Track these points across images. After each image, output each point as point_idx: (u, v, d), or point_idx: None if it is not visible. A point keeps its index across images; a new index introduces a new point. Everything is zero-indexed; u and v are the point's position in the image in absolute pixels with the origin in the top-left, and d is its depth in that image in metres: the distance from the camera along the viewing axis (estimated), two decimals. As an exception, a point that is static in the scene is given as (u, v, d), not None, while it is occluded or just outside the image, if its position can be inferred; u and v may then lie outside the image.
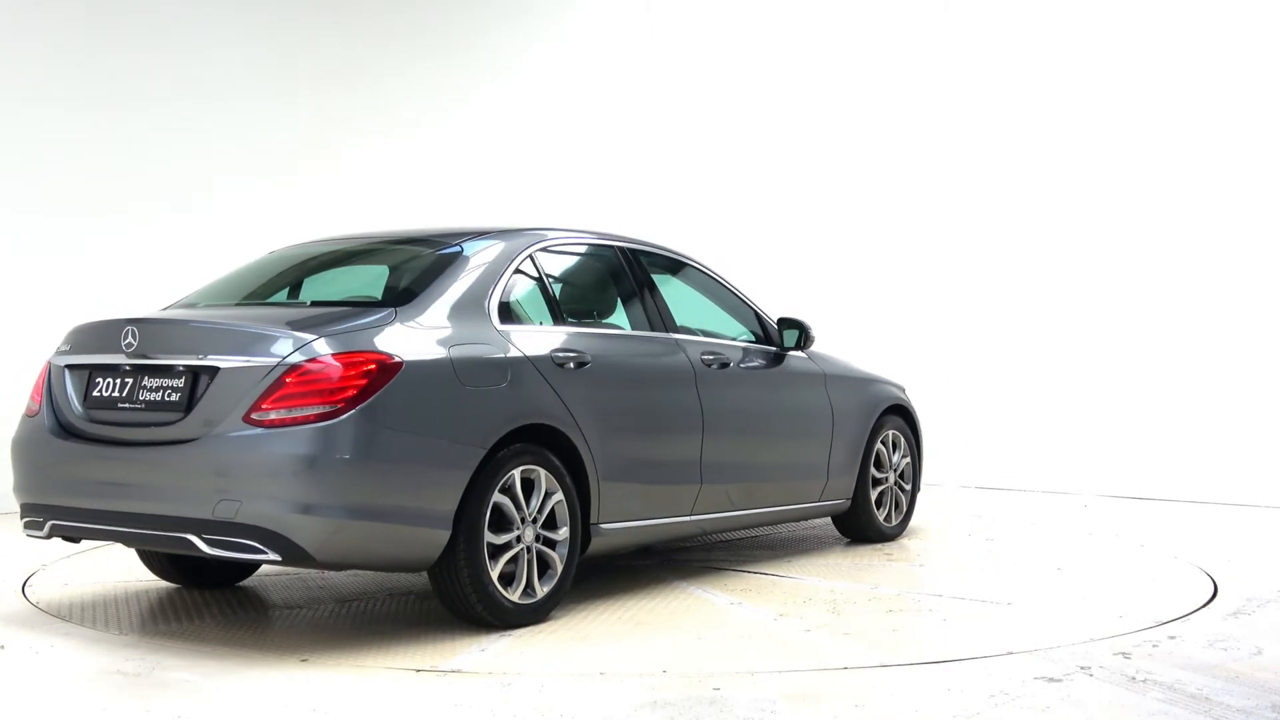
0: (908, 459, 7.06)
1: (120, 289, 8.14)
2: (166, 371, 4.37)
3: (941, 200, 10.49)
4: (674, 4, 11.43)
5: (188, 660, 4.11)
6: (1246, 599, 5.23)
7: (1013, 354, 9.99)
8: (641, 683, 3.82)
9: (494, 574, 4.45)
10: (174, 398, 4.31)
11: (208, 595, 5.19)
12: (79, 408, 4.58)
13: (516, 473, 4.55)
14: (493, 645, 4.32)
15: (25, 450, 4.74)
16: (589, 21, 11.23)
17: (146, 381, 4.41)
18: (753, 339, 6.21)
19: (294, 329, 4.27)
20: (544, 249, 5.23)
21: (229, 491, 4.09)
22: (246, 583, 5.51)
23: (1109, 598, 5.33)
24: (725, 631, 4.62)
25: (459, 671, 3.95)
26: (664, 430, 5.40)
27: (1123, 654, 4.20)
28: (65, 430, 4.59)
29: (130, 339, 4.44)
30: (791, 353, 6.29)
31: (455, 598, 4.45)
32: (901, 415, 7.02)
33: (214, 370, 4.24)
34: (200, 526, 4.13)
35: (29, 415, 4.80)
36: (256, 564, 5.41)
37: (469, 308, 4.70)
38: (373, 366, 4.20)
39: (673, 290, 5.91)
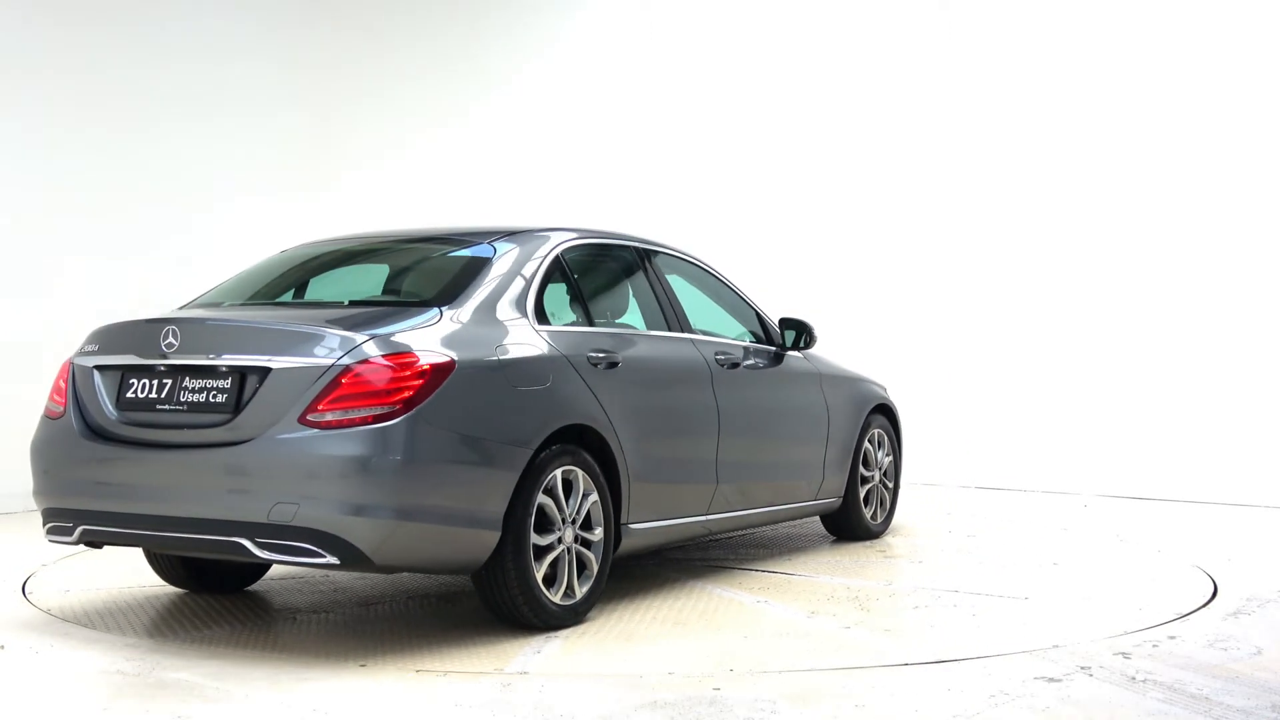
0: (890, 457, 7.13)
1: (123, 290, 8.14)
2: (210, 372, 4.24)
3: (940, 200, 10.49)
4: (674, 5, 11.43)
5: (188, 660, 4.10)
6: (1246, 599, 5.23)
7: (1012, 354, 9.99)
8: (641, 682, 3.82)
9: (539, 575, 4.43)
10: (220, 399, 4.19)
11: (211, 599, 5.16)
12: (112, 410, 4.41)
13: (559, 473, 4.53)
14: (546, 647, 4.30)
15: (50, 453, 4.56)
16: (590, 24, 11.24)
17: (188, 382, 4.27)
18: (753, 339, 6.22)
19: (346, 328, 4.19)
20: (569, 248, 5.18)
21: (286, 494, 3.99)
22: (247, 587, 5.48)
23: (1109, 598, 5.33)
24: (762, 629, 4.62)
25: (459, 671, 3.95)
26: (687, 430, 5.41)
27: (1123, 654, 4.20)
28: (95, 433, 4.43)
29: (172, 339, 4.30)
30: (789, 353, 6.30)
31: (501, 600, 4.40)
32: (885, 414, 7.09)
33: (265, 371, 4.13)
34: (253, 530, 4.02)
35: (51, 417, 4.61)
36: (267, 568, 5.39)
37: (510, 307, 4.66)
38: (428, 368, 4.15)
39: (678, 289, 5.92)
